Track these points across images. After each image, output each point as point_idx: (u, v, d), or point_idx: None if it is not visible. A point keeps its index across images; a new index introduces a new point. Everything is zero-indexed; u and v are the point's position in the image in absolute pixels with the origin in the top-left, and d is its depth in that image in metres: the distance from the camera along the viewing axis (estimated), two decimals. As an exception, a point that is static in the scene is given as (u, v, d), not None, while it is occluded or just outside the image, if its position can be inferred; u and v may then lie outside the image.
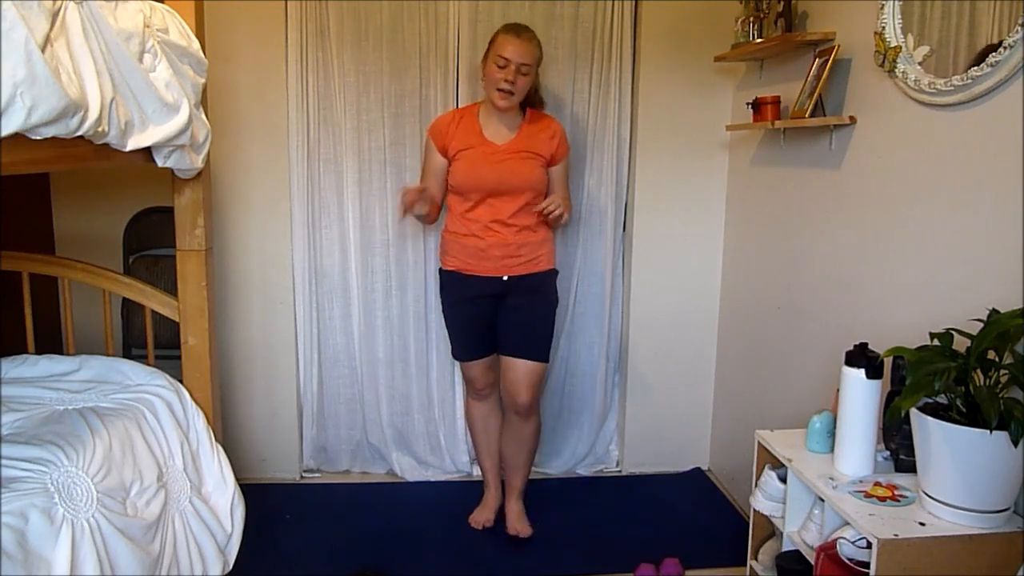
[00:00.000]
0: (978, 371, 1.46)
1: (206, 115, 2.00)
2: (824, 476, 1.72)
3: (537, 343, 2.54)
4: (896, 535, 1.45)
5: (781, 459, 1.86)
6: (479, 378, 2.65)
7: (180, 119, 1.73)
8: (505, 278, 2.49)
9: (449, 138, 2.49)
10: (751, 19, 2.49)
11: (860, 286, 2.11)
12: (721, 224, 3.01)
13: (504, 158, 2.45)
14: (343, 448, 3.08)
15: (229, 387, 2.92)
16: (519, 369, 2.52)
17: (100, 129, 1.37)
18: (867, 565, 1.47)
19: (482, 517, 2.70)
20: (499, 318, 2.56)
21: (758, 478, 1.97)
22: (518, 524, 2.62)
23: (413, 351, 2.98)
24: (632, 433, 3.13)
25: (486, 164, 2.44)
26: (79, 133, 1.31)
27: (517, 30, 2.40)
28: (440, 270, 2.63)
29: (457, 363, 2.82)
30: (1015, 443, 1.34)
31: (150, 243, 2.96)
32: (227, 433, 2.80)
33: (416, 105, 2.84)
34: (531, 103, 2.53)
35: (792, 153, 2.48)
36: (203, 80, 1.94)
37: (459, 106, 2.83)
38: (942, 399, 1.51)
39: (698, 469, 3.16)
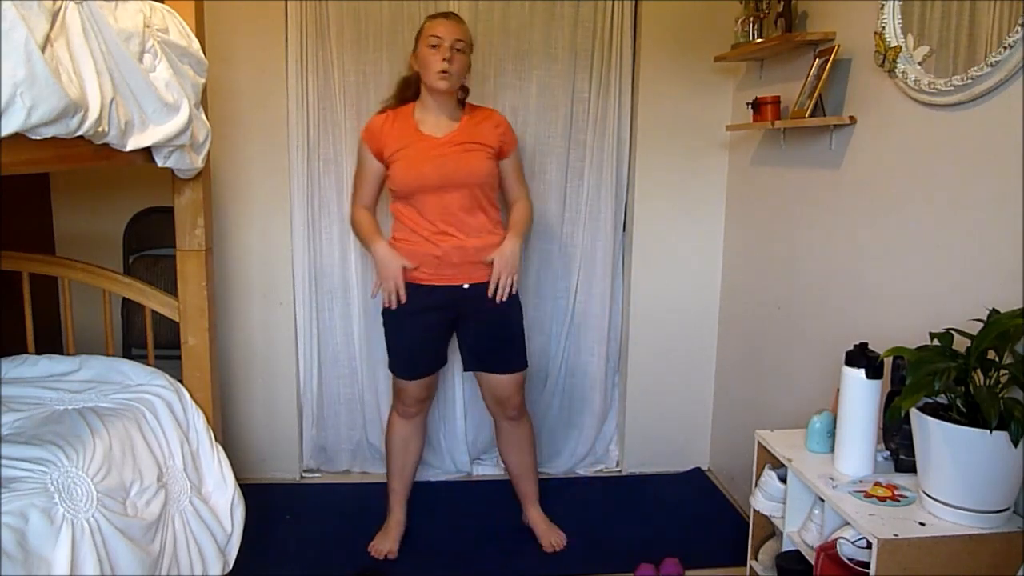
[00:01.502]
0: (978, 371, 1.46)
1: (206, 115, 2.00)
2: (824, 476, 1.72)
3: (516, 353, 2.46)
4: (896, 535, 1.45)
5: (781, 459, 1.86)
6: (414, 396, 2.49)
7: (180, 119, 1.73)
8: (466, 286, 2.34)
9: (384, 139, 2.34)
10: (751, 19, 2.49)
11: (860, 286, 2.11)
12: (721, 224, 3.01)
13: (446, 151, 2.30)
14: (343, 448, 3.08)
15: (229, 387, 2.92)
16: (505, 384, 2.45)
17: (100, 129, 1.37)
18: (867, 565, 1.47)
19: (384, 547, 2.48)
20: (465, 333, 2.44)
21: (758, 478, 1.97)
22: (552, 536, 2.54)
23: (413, 351, 2.97)
24: (632, 433, 3.13)
25: (426, 160, 2.29)
26: (79, 133, 1.31)
27: (444, 13, 2.35)
28: None
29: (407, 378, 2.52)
30: (1015, 443, 1.34)
31: (150, 243, 2.96)
32: (227, 433, 2.80)
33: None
34: (462, 94, 2.41)
35: (792, 153, 2.48)
36: (203, 80, 1.94)
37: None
38: (942, 399, 1.51)
39: (698, 469, 3.16)
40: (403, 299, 2.33)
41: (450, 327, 2.47)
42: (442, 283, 2.35)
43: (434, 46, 2.25)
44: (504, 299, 2.33)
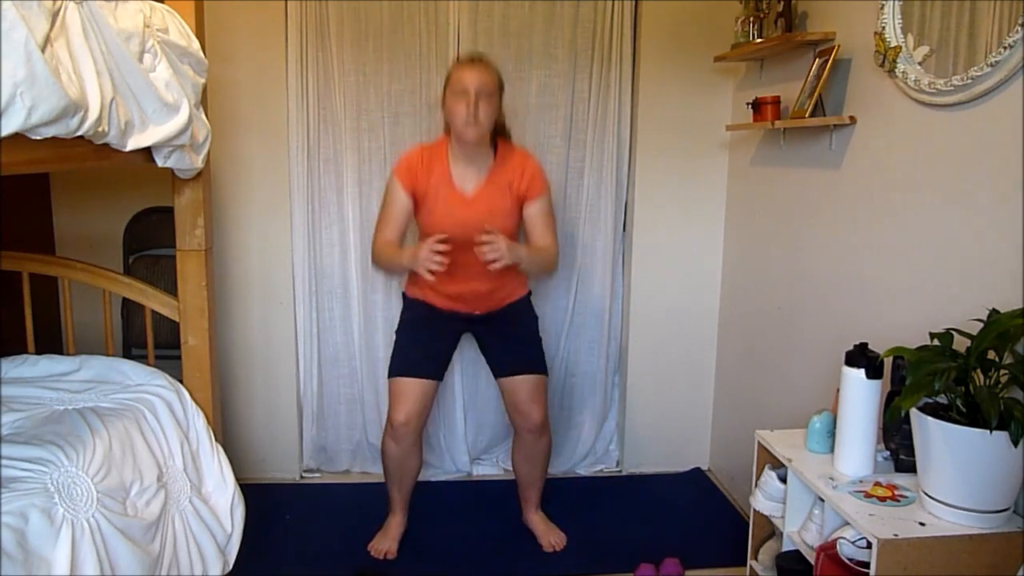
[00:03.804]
0: (978, 371, 1.45)
1: (206, 115, 2.00)
2: (824, 476, 1.72)
3: (533, 357, 2.49)
4: (896, 535, 1.44)
5: (781, 459, 1.86)
6: (407, 403, 2.40)
7: (180, 119, 1.73)
8: (478, 312, 2.43)
9: (420, 180, 2.32)
10: (751, 19, 2.49)
11: (860, 286, 2.11)
12: (721, 224, 3.01)
13: (471, 212, 2.27)
14: (343, 448, 3.08)
15: (229, 387, 2.92)
16: (524, 385, 2.45)
17: (100, 129, 1.37)
18: (867, 565, 1.47)
19: (383, 546, 2.48)
20: (484, 340, 2.51)
21: (758, 478, 1.97)
22: (552, 536, 2.55)
23: (413, 351, 2.97)
24: (632, 433, 3.13)
25: (451, 218, 2.29)
26: (79, 133, 1.31)
27: (471, 59, 2.28)
28: (404, 295, 2.53)
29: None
30: (1015, 443, 1.34)
31: (150, 243, 2.96)
32: (227, 433, 2.80)
33: (416, 105, 2.84)
34: (499, 134, 2.37)
35: (792, 153, 2.48)
36: (203, 80, 1.94)
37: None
38: (942, 399, 1.51)
39: (698, 469, 3.16)
40: (443, 260, 2.14)
41: (458, 335, 2.52)
42: (455, 310, 2.43)
43: (460, 95, 2.21)
44: (486, 257, 2.15)
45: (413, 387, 2.43)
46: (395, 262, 2.35)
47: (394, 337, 2.53)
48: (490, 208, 2.31)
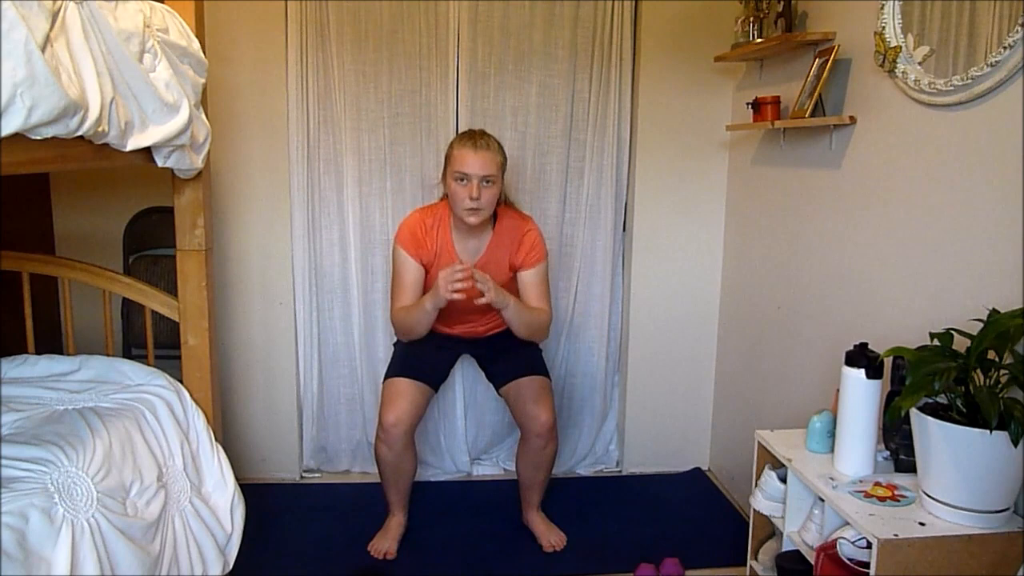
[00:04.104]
0: (978, 371, 1.45)
1: (206, 115, 2.00)
2: (824, 476, 1.72)
3: (534, 362, 2.52)
4: (896, 535, 1.45)
5: (781, 459, 1.86)
6: (399, 404, 2.38)
7: (180, 119, 1.73)
8: (479, 334, 2.52)
9: (425, 249, 2.35)
10: (751, 19, 2.49)
11: (860, 286, 2.11)
12: (721, 224, 3.01)
13: (470, 284, 2.18)
14: (343, 448, 3.08)
15: (229, 387, 2.92)
16: (530, 386, 2.46)
17: (100, 129, 1.37)
18: (867, 565, 1.47)
19: (383, 546, 2.47)
20: (484, 360, 2.58)
21: (758, 478, 1.97)
22: (552, 536, 2.55)
23: (413, 351, 2.97)
24: (632, 433, 3.13)
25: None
26: (79, 133, 1.31)
27: (473, 140, 2.24)
28: None
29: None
30: (1015, 443, 1.34)
31: (150, 243, 2.96)
32: (227, 433, 2.80)
33: (416, 105, 2.83)
34: (500, 202, 2.37)
35: (792, 153, 2.48)
36: (203, 80, 1.94)
37: (459, 104, 2.83)
38: (942, 399, 1.51)
39: (698, 469, 3.16)
40: (466, 269, 2.17)
41: (458, 353, 2.58)
42: (454, 334, 2.51)
43: (461, 180, 2.22)
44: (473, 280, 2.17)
45: (407, 388, 2.43)
46: (421, 309, 2.29)
47: (392, 344, 2.56)
48: (489, 276, 2.27)
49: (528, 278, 2.39)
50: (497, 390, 2.57)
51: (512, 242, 2.38)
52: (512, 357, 2.51)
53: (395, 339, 2.58)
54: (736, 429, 2.92)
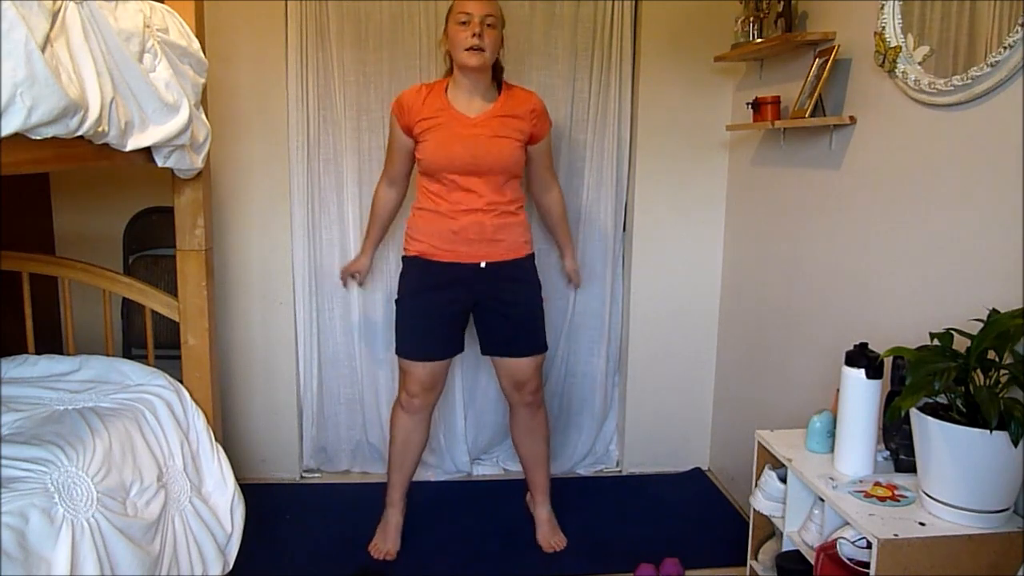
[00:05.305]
0: (978, 371, 1.45)
1: (206, 115, 2.00)
2: (824, 476, 1.72)
3: (534, 335, 2.43)
4: (896, 535, 1.45)
5: (781, 459, 1.86)
6: (421, 384, 2.38)
7: (180, 119, 1.73)
8: (482, 265, 2.30)
9: (414, 115, 2.28)
10: (751, 19, 2.49)
11: (860, 286, 2.11)
12: (721, 224, 3.01)
13: (477, 132, 2.23)
14: (343, 448, 3.08)
15: (229, 387, 2.92)
16: (524, 367, 2.42)
17: (100, 129, 1.37)
18: (867, 565, 1.47)
19: (384, 546, 2.46)
20: (482, 317, 2.39)
21: (758, 478, 1.97)
22: (553, 538, 2.53)
23: (413, 351, 2.97)
24: (632, 433, 3.13)
25: (456, 140, 2.24)
26: (79, 133, 1.31)
27: None
28: (403, 257, 2.42)
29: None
30: (1015, 443, 1.34)
31: (150, 243, 2.96)
32: (227, 433, 2.80)
33: (416, 105, 2.83)
34: (498, 74, 2.34)
35: (792, 153, 2.48)
36: (203, 80, 1.94)
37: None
38: (942, 399, 1.51)
39: (698, 469, 3.16)
40: (359, 278, 2.70)
41: (465, 313, 2.41)
42: (458, 260, 2.31)
43: (464, 23, 2.18)
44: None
45: (430, 366, 2.40)
46: (368, 230, 2.60)
47: (395, 311, 2.44)
48: (494, 131, 2.26)
49: (542, 147, 2.43)
50: (483, 352, 2.49)
51: (522, 105, 2.33)
52: (514, 328, 2.39)
53: (396, 298, 2.45)
54: (736, 429, 2.92)
